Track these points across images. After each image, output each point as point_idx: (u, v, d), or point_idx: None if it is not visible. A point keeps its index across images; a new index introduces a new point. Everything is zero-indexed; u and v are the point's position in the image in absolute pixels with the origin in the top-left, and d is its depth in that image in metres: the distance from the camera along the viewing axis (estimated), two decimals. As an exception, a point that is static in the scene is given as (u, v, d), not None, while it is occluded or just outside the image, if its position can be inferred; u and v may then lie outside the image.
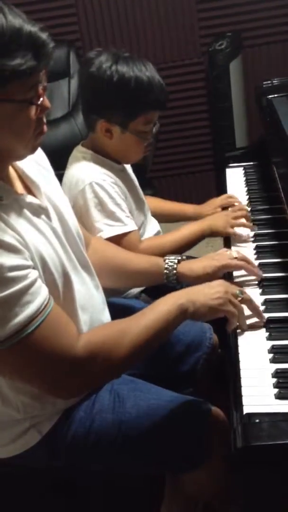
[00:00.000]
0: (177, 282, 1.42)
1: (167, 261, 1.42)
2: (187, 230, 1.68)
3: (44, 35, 0.95)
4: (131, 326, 1.12)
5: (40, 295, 1.01)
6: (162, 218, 1.94)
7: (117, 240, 1.55)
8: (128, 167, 1.78)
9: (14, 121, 0.99)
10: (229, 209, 1.78)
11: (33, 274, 1.01)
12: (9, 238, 0.99)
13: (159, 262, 1.43)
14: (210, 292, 1.18)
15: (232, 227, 1.65)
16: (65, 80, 3.02)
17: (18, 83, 0.94)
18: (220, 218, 1.69)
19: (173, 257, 1.43)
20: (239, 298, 1.21)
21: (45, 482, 1.31)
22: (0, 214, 1.01)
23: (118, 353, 1.08)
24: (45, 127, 1.07)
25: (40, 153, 1.30)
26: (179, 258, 1.43)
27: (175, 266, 1.40)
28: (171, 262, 1.41)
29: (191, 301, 1.16)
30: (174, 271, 1.40)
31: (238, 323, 1.21)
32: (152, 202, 1.92)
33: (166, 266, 1.41)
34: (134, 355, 1.11)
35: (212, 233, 1.67)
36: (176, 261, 1.41)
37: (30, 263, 1.02)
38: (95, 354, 1.07)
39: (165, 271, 1.41)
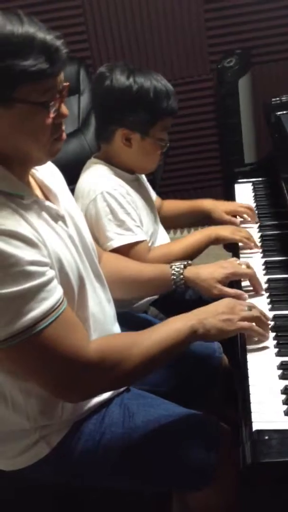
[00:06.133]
0: (185, 287, 1.44)
1: (173, 267, 1.45)
2: (193, 237, 1.69)
3: (58, 42, 0.99)
4: (143, 339, 1.13)
5: (56, 293, 1.03)
6: (180, 217, 1.97)
7: (126, 249, 1.57)
8: (143, 178, 1.81)
9: (29, 123, 1.01)
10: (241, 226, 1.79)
11: (50, 272, 1.03)
12: (29, 234, 1.01)
13: (165, 269, 1.46)
14: (218, 314, 1.19)
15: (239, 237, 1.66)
16: (75, 97, 3.06)
17: (31, 85, 0.98)
18: (227, 228, 1.71)
19: (178, 263, 1.46)
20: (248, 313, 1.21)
21: (50, 495, 1.31)
22: (20, 211, 1.03)
23: (127, 362, 1.09)
24: (64, 134, 1.10)
25: (57, 173, 1.32)
26: (185, 263, 1.46)
27: (181, 271, 1.44)
28: (177, 267, 1.45)
29: (201, 323, 1.17)
30: (181, 276, 1.43)
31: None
32: (169, 203, 1.97)
33: (173, 272, 1.44)
34: (142, 367, 1.12)
35: (217, 238, 1.68)
36: (182, 266, 1.45)
37: (48, 260, 1.04)
38: (105, 359, 1.07)
39: (172, 276, 1.44)
